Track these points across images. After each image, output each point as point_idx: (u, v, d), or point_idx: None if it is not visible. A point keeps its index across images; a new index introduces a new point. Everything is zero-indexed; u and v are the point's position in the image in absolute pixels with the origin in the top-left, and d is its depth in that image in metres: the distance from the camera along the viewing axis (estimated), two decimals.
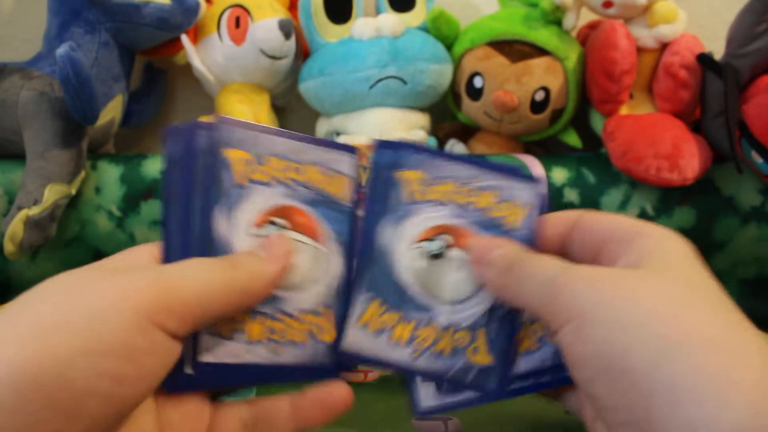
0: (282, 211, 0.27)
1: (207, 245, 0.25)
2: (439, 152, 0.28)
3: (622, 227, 0.26)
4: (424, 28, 0.57)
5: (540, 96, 0.54)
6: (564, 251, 0.28)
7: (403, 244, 0.27)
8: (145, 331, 0.21)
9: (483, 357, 0.28)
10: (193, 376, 0.24)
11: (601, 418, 0.22)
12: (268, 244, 0.26)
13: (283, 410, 0.26)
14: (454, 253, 0.27)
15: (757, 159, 0.48)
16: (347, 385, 0.26)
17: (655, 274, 0.22)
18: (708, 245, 0.53)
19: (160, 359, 0.21)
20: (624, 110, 0.55)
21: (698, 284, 0.22)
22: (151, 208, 0.51)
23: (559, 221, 0.28)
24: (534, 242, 0.28)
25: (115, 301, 0.21)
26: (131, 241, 0.52)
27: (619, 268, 0.24)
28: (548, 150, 0.63)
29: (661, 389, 0.19)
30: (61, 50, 0.44)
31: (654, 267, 0.23)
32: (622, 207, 0.52)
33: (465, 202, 0.28)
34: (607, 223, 0.27)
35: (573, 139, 0.59)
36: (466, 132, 0.60)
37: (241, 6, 0.56)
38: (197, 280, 0.23)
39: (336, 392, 0.26)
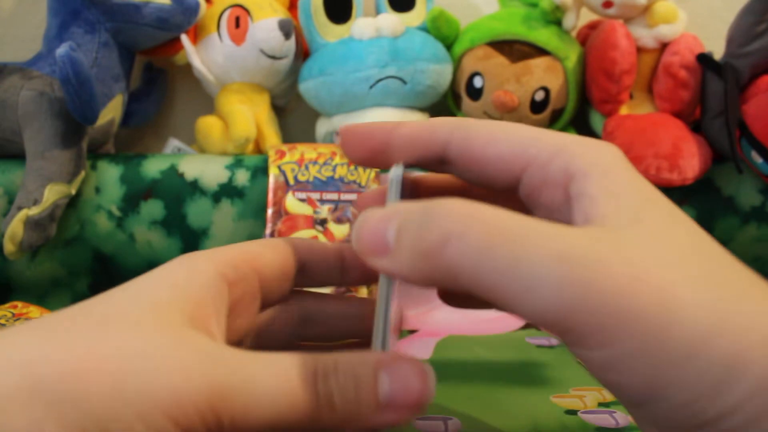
0: None
1: None
2: None
3: (523, 162, 0.20)
4: (424, 28, 0.57)
5: (540, 96, 0.54)
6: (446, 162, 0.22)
7: None
8: None
9: None
10: None
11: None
12: None
13: None
14: None
15: (757, 159, 0.48)
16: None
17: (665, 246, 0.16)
18: None
19: None
20: (624, 110, 0.55)
21: (698, 245, 0.17)
22: (151, 208, 0.51)
23: (426, 135, 0.21)
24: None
25: (149, 408, 0.16)
26: (131, 241, 0.52)
27: (622, 236, 0.17)
28: None
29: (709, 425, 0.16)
30: (61, 50, 0.44)
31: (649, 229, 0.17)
32: None
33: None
34: (496, 149, 0.20)
35: None
36: None
37: (241, 6, 0.56)
38: (267, 405, 0.18)
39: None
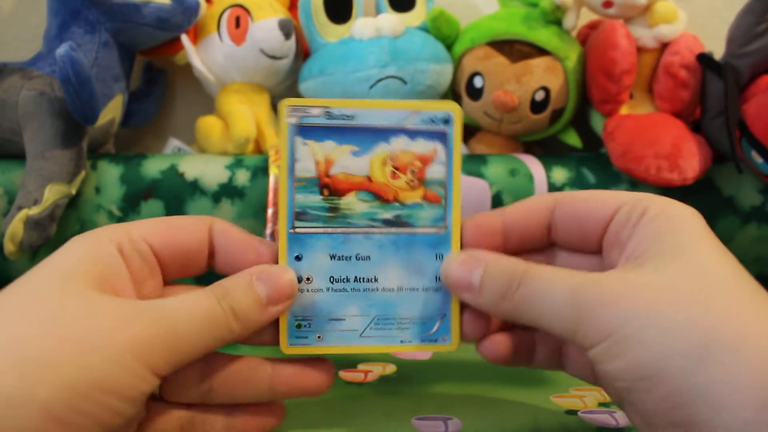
0: None
1: None
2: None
3: (615, 205, 0.26)
4: (424, 28, 0.57)
5: (540, 96, 0.54)
6: (548, 238, 0.28)
7: None
8: (144, 378, 0.22)
9: None
10: None
11: (645, 421, 0.22)
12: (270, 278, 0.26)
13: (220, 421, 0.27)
14: None
15: (757, 159, 0.48)
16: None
17: (673, 271, 0.22)
18: None
19: (145, 393, 0.23)
20: (624, 110, 0.55)
21: (720, 271, 0.22)
22: (151, 208, 0.51)
23: (534, 208, 0.28)
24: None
25: (118, 350, 0.22)
26: None
27: (632, 269, 0.23)
28: (548, 150, 0.63)
29: (700, 396, 0.19)
30: (61, 50, 0.44)
31: (669, 259, 0.23)
32: None
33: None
34: (595, 202, 0.27)
35: (573, 139, 0.59)
36: (466, 132, 0.60)
37: (241, 6, 0.56)
38: (196, 325, 0.24)
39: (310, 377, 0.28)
